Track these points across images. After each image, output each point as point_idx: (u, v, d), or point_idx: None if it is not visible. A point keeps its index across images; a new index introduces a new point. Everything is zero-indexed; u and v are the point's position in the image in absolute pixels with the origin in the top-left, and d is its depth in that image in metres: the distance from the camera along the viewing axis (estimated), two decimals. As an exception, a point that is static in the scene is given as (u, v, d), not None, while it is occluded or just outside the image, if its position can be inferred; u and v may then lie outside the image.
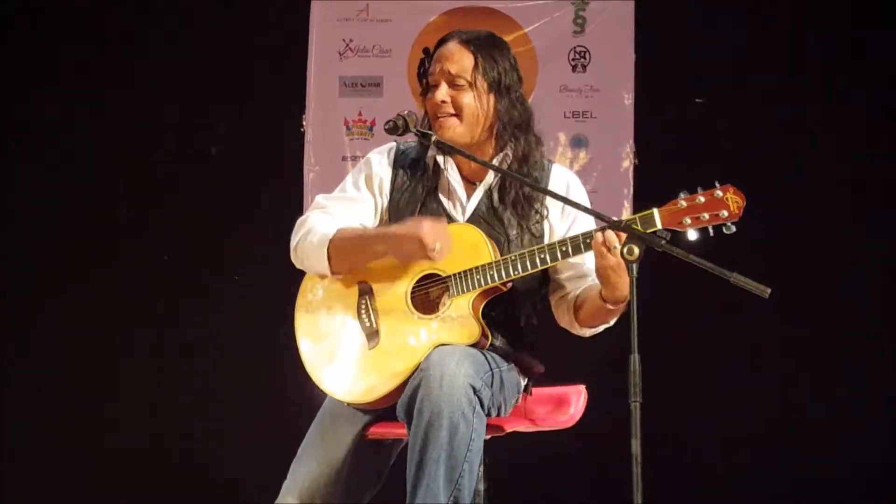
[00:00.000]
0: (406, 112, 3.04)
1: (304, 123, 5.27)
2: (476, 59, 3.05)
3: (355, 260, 3.02)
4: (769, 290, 2.58)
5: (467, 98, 3.04)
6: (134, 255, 5.22)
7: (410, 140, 3.16)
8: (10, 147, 5.27)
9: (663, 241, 2.65)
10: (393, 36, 5.29)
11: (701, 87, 5.16)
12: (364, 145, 5.20)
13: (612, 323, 3.03)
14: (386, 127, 3.02)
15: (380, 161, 3.17)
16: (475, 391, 2.76)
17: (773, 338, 5.01)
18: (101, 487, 5.12)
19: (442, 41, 3.13)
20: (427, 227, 2.88)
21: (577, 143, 5.25)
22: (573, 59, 5.27)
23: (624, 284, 2.80)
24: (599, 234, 2.79)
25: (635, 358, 2.58)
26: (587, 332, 3.08)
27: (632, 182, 5.17)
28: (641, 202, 5.04)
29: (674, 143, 5.09)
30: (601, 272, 2.82)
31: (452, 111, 3.05)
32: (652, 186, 5.03)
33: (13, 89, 5.26)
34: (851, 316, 5.04)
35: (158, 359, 5.19)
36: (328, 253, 2.99)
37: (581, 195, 3.14)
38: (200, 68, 5.25)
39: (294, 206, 5.09)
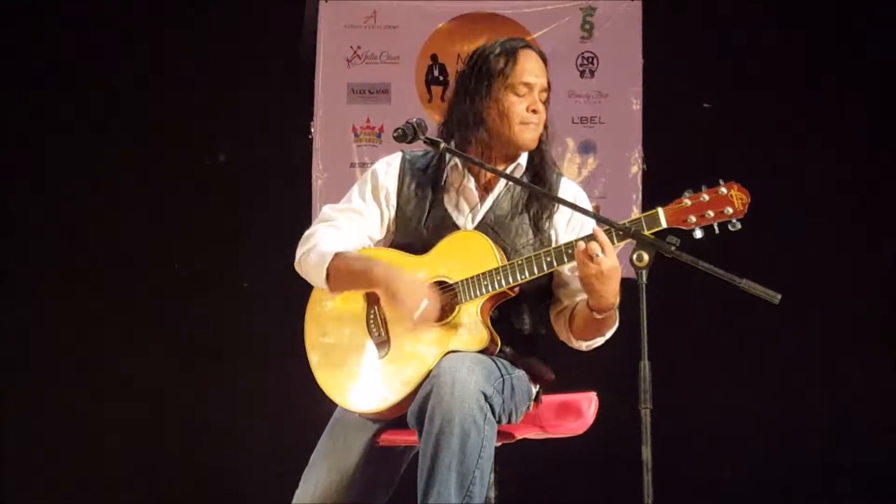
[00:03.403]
0: (415, 119, 3.03)
1: (313, 130, 5.28)
2: (548, 77, 3.13)
3: (352, 287, 3.03)
4: (779, 296, 2.58)
5: (543, 110, 3.11)
6: (143, 262, 5.23)
7: (417, 149, 3.16)
8: (15, 151, 5.28)
9: (673, 248, 2.65)
10: (401, 42, 5.29)
11: (709, 91, 5.16)
12: (372, 152, 5.20)
13: (608, 336, 3.04)
14: (395, 134, 3.02)
15: (386, 171, 3.17)
16: (486, 398, 2.76)
17: (783, 343, 5.00)
18: (103, 491, 5.12)
19: (521, 46, 3.13)
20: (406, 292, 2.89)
21: (586, 148, 5.25)
22: (581, 65, 5.27)
23: (609, 292, 2.82)
24: (581, 244, 2.79)
25: (645, 364, 2.58)
26: (584, 346, 3.08)
27: (640, 187, 5.18)
28: (650, 208, 5.00)
29: (682, 148, 5.08)
30: (585, 281, 2.83)
31: (537, 121, 3.09)
32: (661, 191, 4.94)
33: (18, 92, 5.27)
34: (865, 321, 5.03)
35: (168, 364, 5.19)
36: (326, 275, 3.01)
37: (586, 208, 3.13)
38: (209, 75, 5.26)
39: (303, 213, 5.10)
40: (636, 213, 5.06)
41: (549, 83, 3.13)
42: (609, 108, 5.25)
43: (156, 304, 5.21)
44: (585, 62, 5.26)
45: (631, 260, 2.66)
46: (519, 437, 3.00)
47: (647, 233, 2.78)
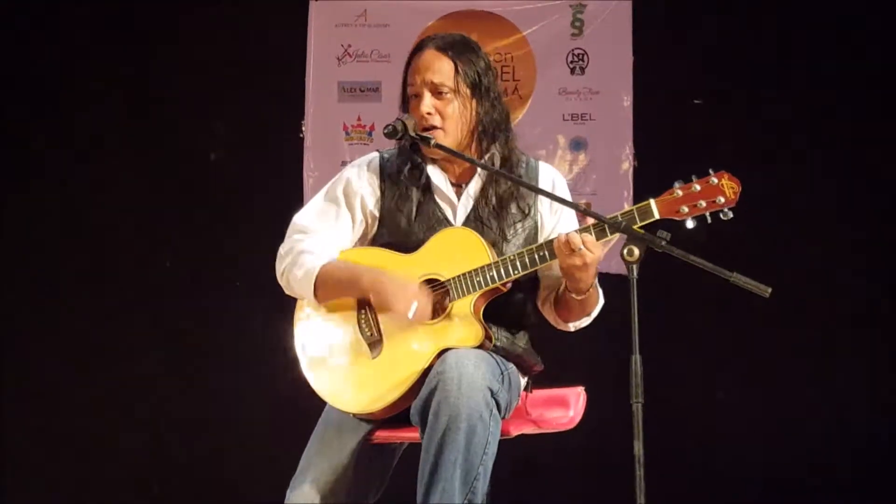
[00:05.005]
0: (405, 116, 3.03)
1: (304, 129, 5.28)
2: (455, 64, 3.05)
3: (340, 296, 3.02)
4: (770, 290, 2.58)
5: (452, 108, 3.05)
6: (135, 261, 5.22)
7: (392, 147, 3.15)
8: (10, 152, 5.27)
9: (664, 242, 2.65)
10: (391, 41, 5.28)
11: (699, 88, 5.16)
12: (363, 150, 5.18)
13: (593, 315, 3.07)
14: (385, 131, 3.00)
15: (359, 175, 3.14)
16: (493, 393, 2.77)
17: (773, 338, 5.00)
18: (101, 490, 5.11)
19: (416, 50, 3.11)
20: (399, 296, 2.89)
21: (576, 145, 5.25)
22: (571, 62, 5.27)
23: (588, 278, 2.87)
24: (563, 236, 2.81)
25: (637, 358, 2.58)
26: (571, 327, 3.12)
27: (631, 184, 5.18)
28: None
29: (673, 145, 5.08)
30: (567, 270, 2.86)
31: (438, 123, 3.04)
32: (651, 188, 4.94)
33: (13, 93, 5.27)
34: (852, 316, 5.04)
35: (160, 364, 5.19)
36: (315, 287, 3.00)
37: (565, 192, 3.16)
38: (200, 74, 5.25)
39: (294, 212, 5.08)
40: (627, 209, 5.07)
41: (463, 71, 3.05)
42: (600, 104, 5.25)
43: (149, 303, 5.22)
44: (576, 59, 5.26)
45: (622, 254, 2.66)
46: (515, 433, 3.00)
47: (638, 225, 2.78)
